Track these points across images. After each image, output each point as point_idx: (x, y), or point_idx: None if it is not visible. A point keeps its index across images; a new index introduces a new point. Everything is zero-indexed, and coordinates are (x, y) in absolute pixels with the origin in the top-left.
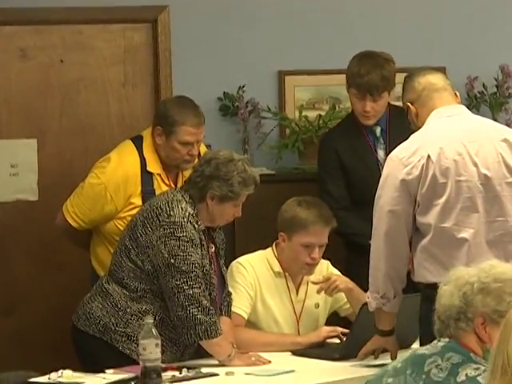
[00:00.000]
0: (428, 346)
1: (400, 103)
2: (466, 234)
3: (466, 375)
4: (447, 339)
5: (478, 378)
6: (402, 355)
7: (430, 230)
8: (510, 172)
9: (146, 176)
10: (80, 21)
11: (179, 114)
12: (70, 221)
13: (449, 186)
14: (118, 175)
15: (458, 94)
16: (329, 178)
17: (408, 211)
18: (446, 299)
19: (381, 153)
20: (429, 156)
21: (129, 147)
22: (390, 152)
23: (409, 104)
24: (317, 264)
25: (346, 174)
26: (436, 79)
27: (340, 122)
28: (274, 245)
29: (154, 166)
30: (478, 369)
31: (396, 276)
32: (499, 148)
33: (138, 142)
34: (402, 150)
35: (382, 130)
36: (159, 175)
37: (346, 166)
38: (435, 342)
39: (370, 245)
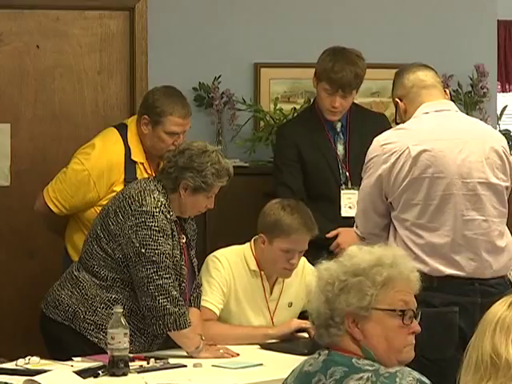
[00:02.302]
0: (311, 361)
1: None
2: (441, 231)
3: None
4: (326, 351)
5: None
6: (296, 368)
7: (407, 225)
8: (491, 174)
9: (130, 164)
10: (57, 6)
11: (167, 105)
12: (51, 206)
13: (425, 181)
14: (103, 162)
15: (447, 91)
16: (286, 169)
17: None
18: (314, 303)
19: (340, 148)
20: (408, 148)
21: (114, 135)
22: (349, 148)
23: (398, 100)
24: (294, 268)
25: (305, 168)
26: (426, 76)
27: (299, 114)
28: (252, 241)
29: (138, 155)
30: (360, 379)
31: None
32: (484, 149)
33: (122, 130)
34: (384, 137)
35: (342, 125)
36: (142, 164)
37: (304, 159)
38: (316, 355)
39: (326, 238)
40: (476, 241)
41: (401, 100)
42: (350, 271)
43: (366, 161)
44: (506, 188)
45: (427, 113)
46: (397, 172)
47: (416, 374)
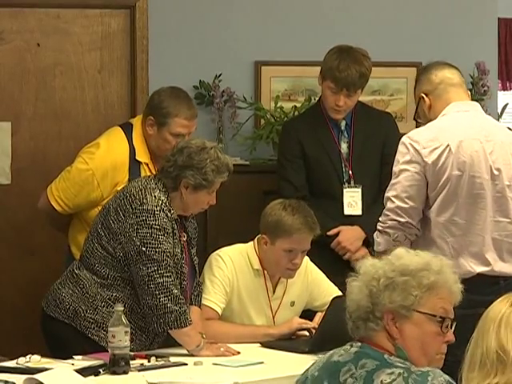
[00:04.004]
0: (342, 352)
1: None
2: (474, 229)
3: (381, 382)
4: (359, 344)
5: None
6: (321, 359)
7: (442, 221)
8: None
9: (134, 165)
10: (57, 4)
11: (173, 106)
12: (55, 204)
13: (463, 179)
14: (107, 162)
15: (469, 92)
16: (290, 166)
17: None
18: (355, 296)
19: (344, 146)
20: (448, 145)
21: (119, 134)
22: (353, 146)
23: (423, 95)
24: (297, 268)
25: (308, 165)
26: (453, 74)
27: (305, 111)
28: (256, 240)
29: (142, 155)
30: (392, 373)
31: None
32: (511, 153)
33: (127, 129)
34: (421, 133)
35: (346, 124)
36: (147, 164)
37: (308, 156)
38: (348, 346)
39: (327, 236)
40: (501, 242)
41: (427, 95)
42: (397, 270)
43: (401, 156)
44: None
45: (458, 112)
46: (439, 168)
47: (446, 376)
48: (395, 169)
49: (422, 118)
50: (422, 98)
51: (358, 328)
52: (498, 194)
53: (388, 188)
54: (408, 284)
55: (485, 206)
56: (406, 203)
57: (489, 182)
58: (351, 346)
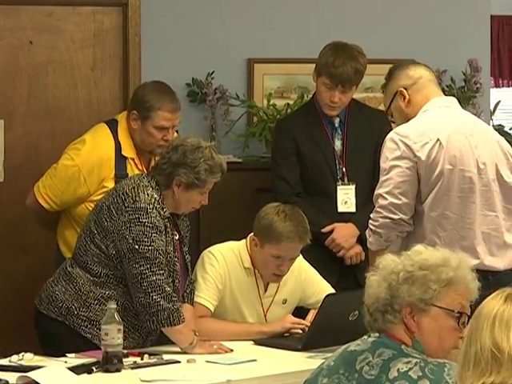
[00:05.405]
0: (359, 342)
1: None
2: (465, 223)
3: (398, 371)
4: (377, 334)
5: (410, 373)
6: (336, 351)
7: (434, 216)
8: (502, 172)
9: (121, 160)
10: (50, 2)
11: (156, 99)
12: (42, 202)
13: (455, 173)
14: (93, 158)
15: None
16: (284, 163)
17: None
18: (374, 290)
19: (338, 143)
20: (438, 140)
21: (104, 131)
22: (346, 144)
23: (402, 89)
24: (284, 275)
25: (302, 162)
26: (428, 71)
27: (298, 108)
28: (248, 239)
29: (128, 151)
30: (408, 362)
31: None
32: (493, 146)
33: (112, 125)
34: (409, 128)
35: (340, 121)
36: (133, 160)
37: (302, 153)
38: (365, 337)
39: (321, 233)
40: (489, 236)
41: (406, 90)
42: (417, 265)
43: (390, 152)
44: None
45: (440, 107)
46: (431, 162)
47: None
48: (385, 165)
49: (395, 113)
50: (401, 92)
51: (376, 320)
52: (484, 187)
53: (378, 185)
54: (427, 278)
55: (475, 200)
56: (400, 199)
57: (476, 176)
58: (369, 336)
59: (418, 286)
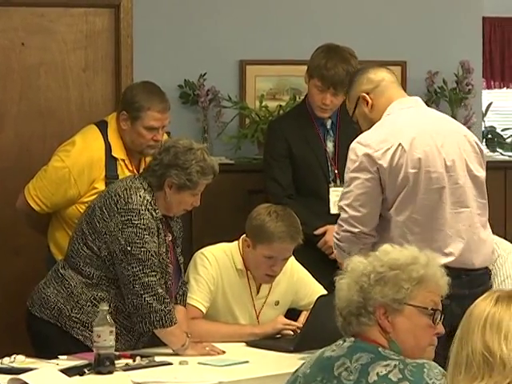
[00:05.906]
0: (334, 347)
1: None
2: (435, 225)
3: (377, 374)
4: (352, 339)
5: (390, 376)
6: (311, 357)
7: (401, 220)
8: (471, 166)
9: (111, 161)
10: (42, 3)
11: (145, 100)
12: (32, 204)
13: (420, 176)
14: (83, 159)
15: None
16: (276, 165)
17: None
18: (344, 293)
19: (330, 145)
20: (400, 144)
21: (94, 132)
22: (338, 145)
23: (364, 94)
24: (276, 276)
25: (294, 163)
26: (389, 73)
27: (290, 110)
28: (240, 240)
29: (118, 152)
30: (387, 365)
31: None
32: (460, 142)
33: (102, 126)
34: (371, 135)
35: (332, 122)
36: (123, 161)
37: (294, 154)
38: (340, 342)
39: (313, 235)
40: (465, 232)
41: (368, 94)
42: (387, 265)
43: (351, 163)
44: (484, 179)
45: (402, 109)
46: (393, 168)
47: (441, 369)
48: (346, 177)
49: (360, 119)
50: (363, 97)
51: (350, 324)
52: (455, 185)
53: (340, 197)
54: (398, 278)
55: (445, 199)
56: (359, 211)
57: (444, 175)
58: (344, 341)
59: (390, 287)
